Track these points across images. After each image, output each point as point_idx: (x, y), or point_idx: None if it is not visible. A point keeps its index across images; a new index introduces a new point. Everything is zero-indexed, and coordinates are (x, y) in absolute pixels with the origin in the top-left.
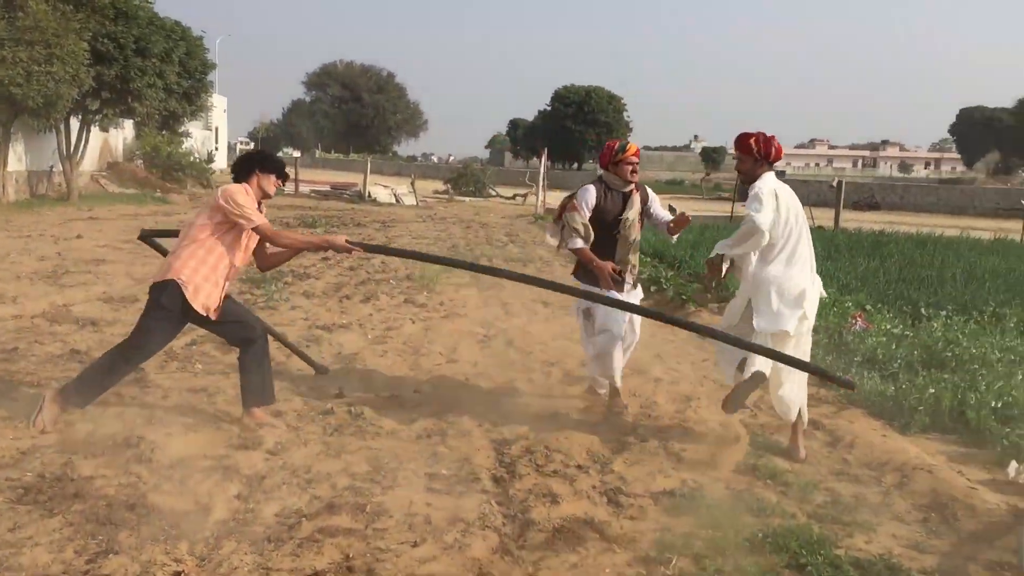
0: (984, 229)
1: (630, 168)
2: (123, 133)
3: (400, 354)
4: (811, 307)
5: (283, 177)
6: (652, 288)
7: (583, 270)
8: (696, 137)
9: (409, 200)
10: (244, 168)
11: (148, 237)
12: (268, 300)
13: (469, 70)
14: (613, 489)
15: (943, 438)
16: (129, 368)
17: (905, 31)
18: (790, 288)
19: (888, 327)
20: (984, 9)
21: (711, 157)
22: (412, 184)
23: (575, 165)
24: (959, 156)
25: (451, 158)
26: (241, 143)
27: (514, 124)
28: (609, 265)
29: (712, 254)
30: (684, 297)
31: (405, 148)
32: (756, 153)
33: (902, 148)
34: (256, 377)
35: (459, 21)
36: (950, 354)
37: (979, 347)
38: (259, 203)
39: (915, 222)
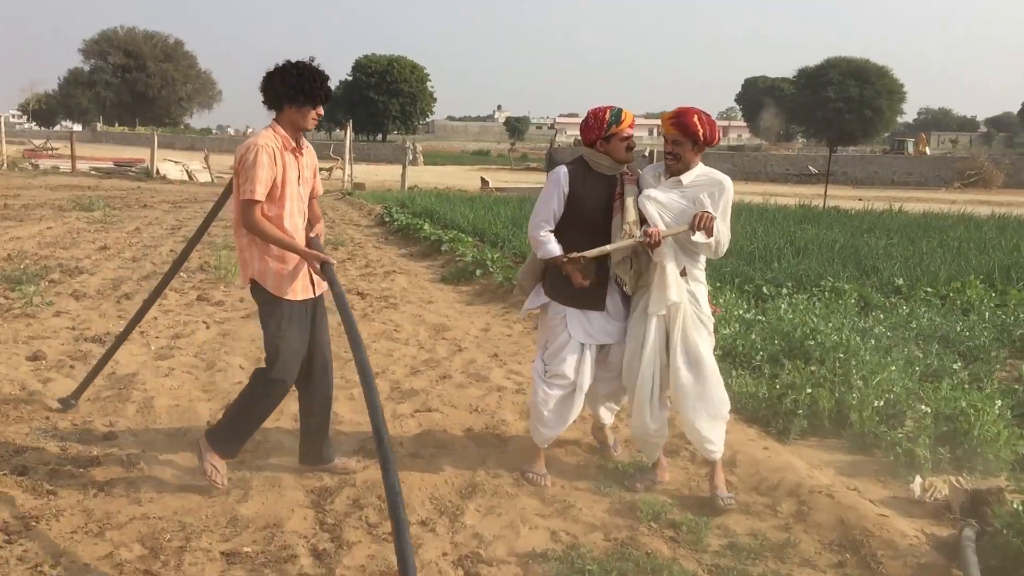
0: (784, 195)
1: (626, 145)
2: None
3: (191, 371)
4: None
5: (326, 102)
6: (478, 272)
7: (554, 284)
8: (500, 107)
9: (204, 177)
10: (271, 97)
11: None
12: (26, 305)
13: (263, 36)
14: (470, 556)
15: (823, 444)
16: (275, 390)
17: (690, 4)
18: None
19: (740, 312)
20: None
21: (515, 127)
22: (206, 159)
23: (379, 136)
24: (745, 124)
25: (249, 130)
26: (13, 116)
27: None
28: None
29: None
30: (513, 281)
31: (199, 120)
32: (701, 136)
33: None
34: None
35: None
36: (813, 342)
37: (838, 332)
38: (297, 140)
39: None
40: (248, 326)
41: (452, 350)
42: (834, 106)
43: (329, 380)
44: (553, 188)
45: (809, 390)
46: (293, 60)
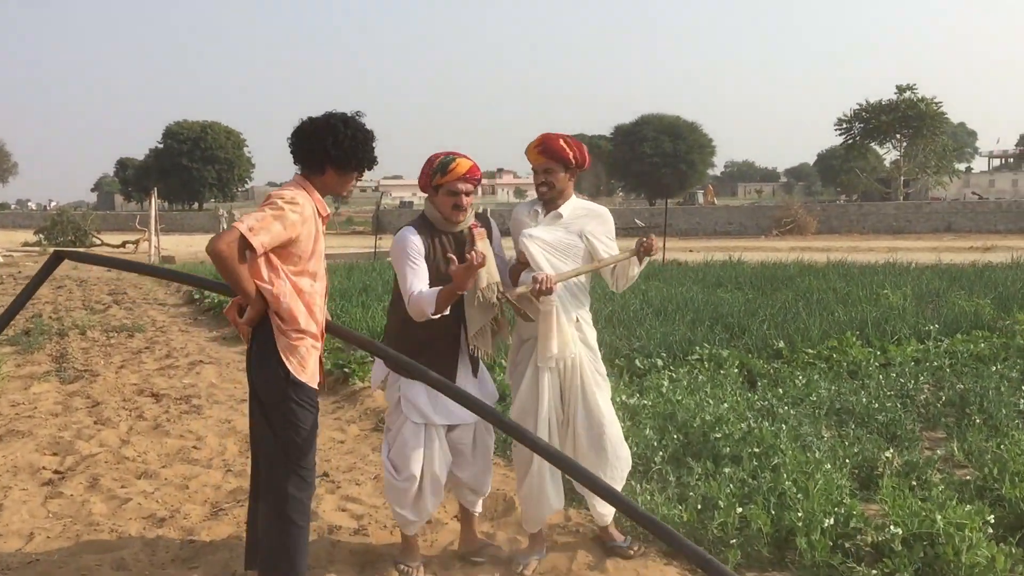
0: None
1: (452, 202)
2: None
3: None
4: None
5: (373, 167)
6: None
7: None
8: None
9: None
10: (314, 158)
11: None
12: None
13: (66, 106)
14: None
15: None
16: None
17: (512, 66)
18: None
19: (623, 398)
20: (581, 45)
21: None
22: None
23: (195, 205)
24: None
25: (52, 204)
26: None
27: (123, 164)
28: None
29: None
30: (345, 368)
31: None
32: (572, 158)
33: (515, 176)
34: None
35: (47, 49)
36: (719, 435)
37: (742, 418)
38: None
39: None
40: None
41: None
42: (650, 161)
43: None
44: (410, 255)
45: (739, 509)
46: (338, 114)
